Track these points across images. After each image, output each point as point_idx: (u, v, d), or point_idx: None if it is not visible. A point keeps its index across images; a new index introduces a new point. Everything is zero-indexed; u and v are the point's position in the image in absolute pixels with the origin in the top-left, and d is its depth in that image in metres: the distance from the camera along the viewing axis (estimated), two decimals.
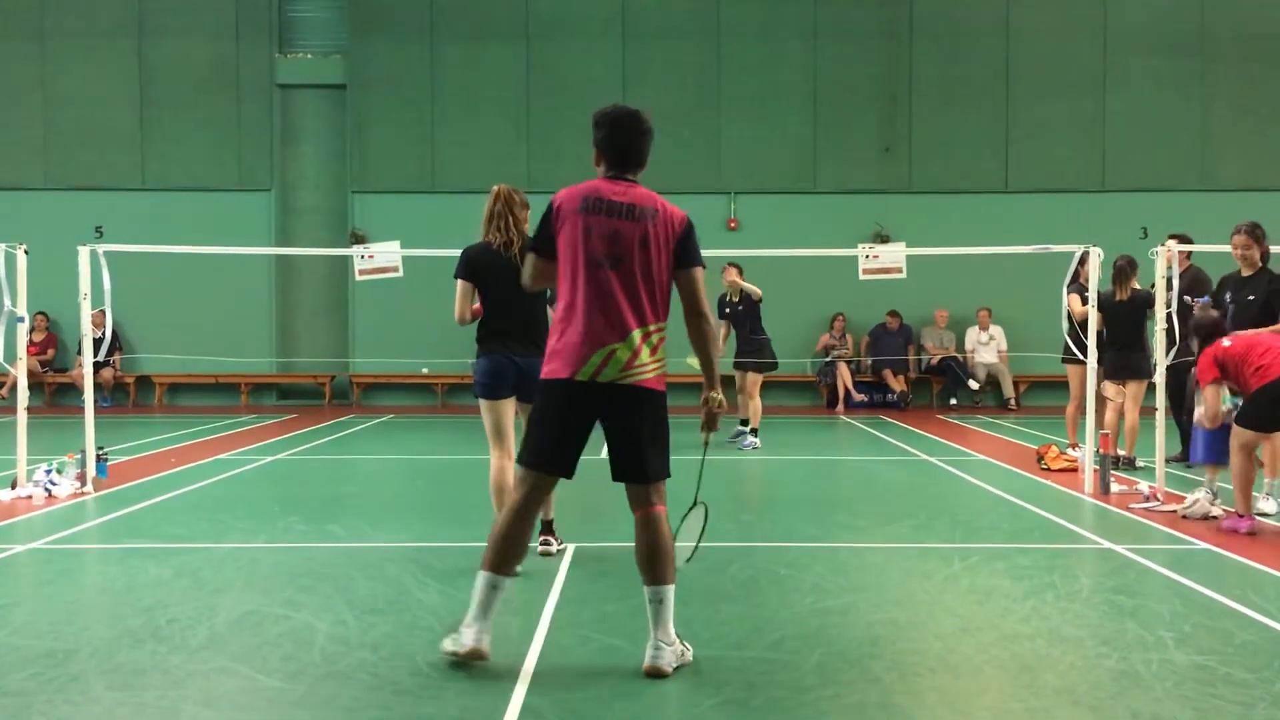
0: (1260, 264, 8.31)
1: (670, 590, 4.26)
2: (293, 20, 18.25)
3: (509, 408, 6.12)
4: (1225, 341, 7.22)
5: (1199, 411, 7.51)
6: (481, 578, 4.27)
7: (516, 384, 6.03)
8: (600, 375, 4.20)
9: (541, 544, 6.30)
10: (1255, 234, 8.27)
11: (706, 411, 4.45)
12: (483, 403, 6.12)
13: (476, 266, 6.04)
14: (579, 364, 4.19)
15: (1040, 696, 4.00)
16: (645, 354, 4.24)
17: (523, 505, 4.32)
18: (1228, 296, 8.44)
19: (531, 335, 6.00)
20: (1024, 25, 17.71)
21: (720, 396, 4.45)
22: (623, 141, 4.33)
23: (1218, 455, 7.43)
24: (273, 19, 17.98)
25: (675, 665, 4.22)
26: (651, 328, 4.27)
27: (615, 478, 4.38)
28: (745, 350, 11.92)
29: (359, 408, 17.10)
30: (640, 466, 4.30)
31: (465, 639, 4.21)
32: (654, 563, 4.25)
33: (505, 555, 4.27)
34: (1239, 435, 7.02)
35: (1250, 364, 7.00)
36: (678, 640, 4.28)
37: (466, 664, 4.27)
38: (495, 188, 6.23)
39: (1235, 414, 7.17)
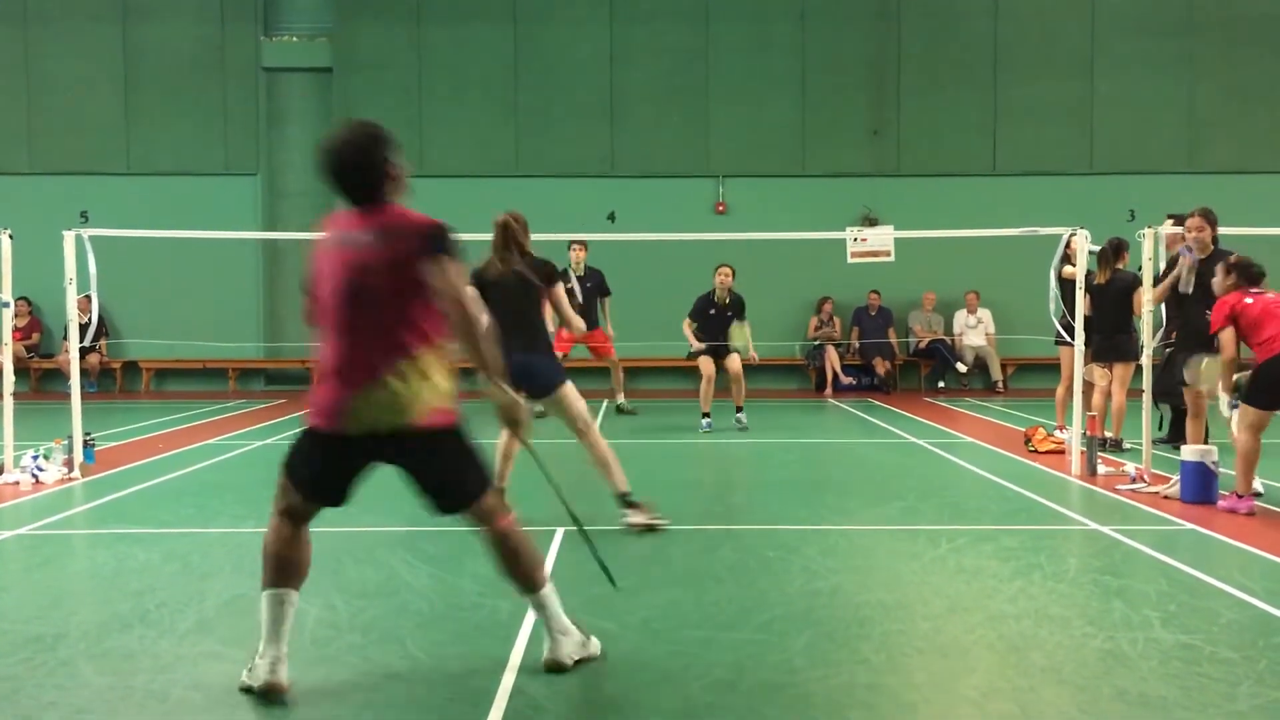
0: (1213, 246, 8.51)
1: (544, 594, 4.00)
2: (278, 2, 18.11)
3: None
4: (1248, 299, 7.16)
5: (1188, 448, 7.59)
6: (265, 597, 3.85)
7: (519, 381, 6.31)
8: (366, 425, 3.73)
9: (636, 517, 6.51)
10: (1209, 217, 8.49)
11: (498, 410, 3.98)
12: None
13: (484, 279, 6.63)
14: (340, 413, 3.75)
15: (1027, 676, 4.02)
16: (416, 387, 3.73)
17: (287, 523, 3.91)
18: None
19: (529, 335, 6.60)
20: (1012, 7, 17.69)
21: (498, 392, 3.92)
22: (333, 181, 3.86)
23: (1206, 494, 7.38)
24: (258, 1, 17.84)
25: (577, 657, 4.05)
26: (418, 355, 3.74)
27: (434, 514, 4.00)
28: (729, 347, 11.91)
29: None
30: (453, 496, 3.91)
31: (260, 671, 3.80)
32: (516, 575, 3.98)
33: (282, 569, 3.86)
34: (1246, 415, 7.05)
35: (1261, 332, 7.00)
36: (577, 629, 4.10)
37: (454, 649, 4.28)
38: (499, 219, 6.74)
39: (1241, 395, 7.18)
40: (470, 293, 6.48)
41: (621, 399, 13.27)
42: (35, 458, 8.36)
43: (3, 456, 8.45)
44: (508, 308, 6.55)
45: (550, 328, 7.58)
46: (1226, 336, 7.21)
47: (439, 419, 3.80)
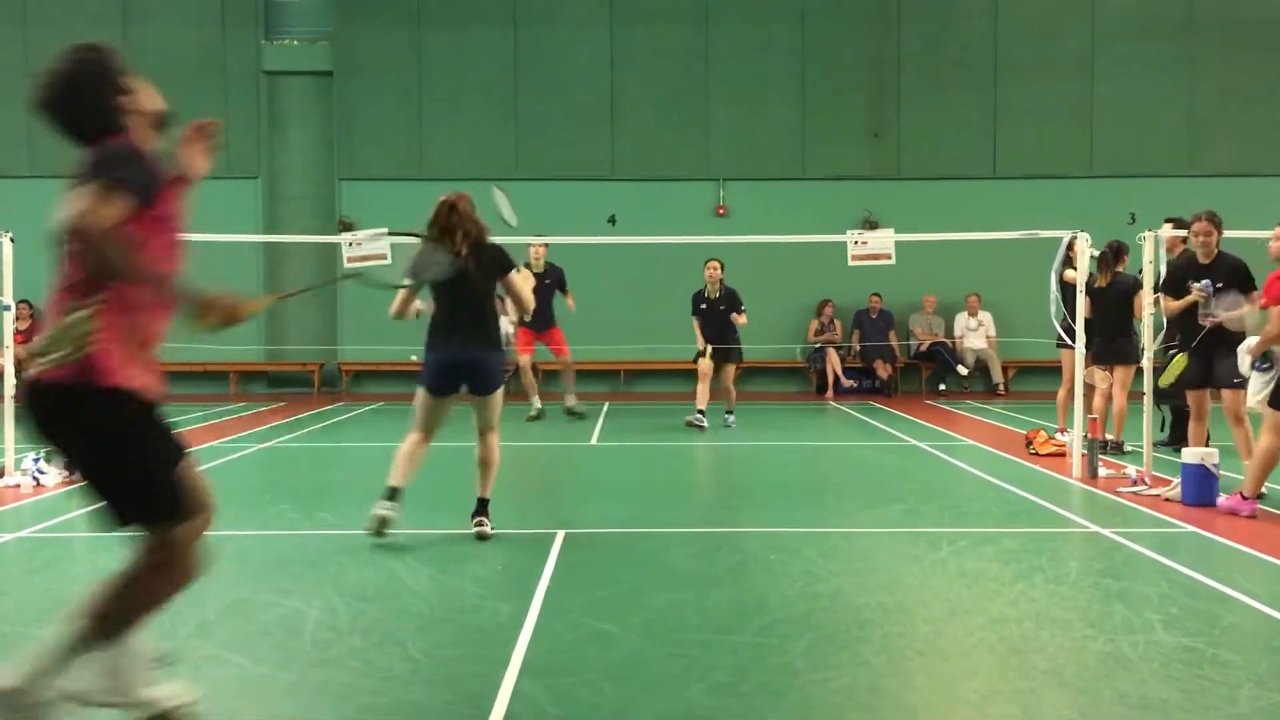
0: (1217, 250, 8.46)
1: (120, 650, 3.39)
2: (279, 6, 18.15)
3: (447, 405, 6.42)
4: None
5: (1189, 450, 7.53)
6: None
7: (464, 378, 6.33)
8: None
9: (475, 524, 6.35)
10: (1215, 221, 8.43)
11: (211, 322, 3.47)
12: (422, 393, 6.42)
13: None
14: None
15: (1028, 678, 4.02)
16: (56, 339, 3.11)
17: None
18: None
19: (481, 330, 6.32)
20: (1012, 8, 17.71)
21: (193, 313, 3.42)
22: (50, 121, 3.31)
23: (1207, 496, 7.34)
24: (259, 5, 17.87)
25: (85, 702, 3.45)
26: (69, 305, 3.15)
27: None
28: (726, 341, 11.98)
29: (348, 395, 17.06)
30: (106, 502, 3.26)
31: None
32: (112, 616, 3.33)
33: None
34: (1271, 416, 7.01)
35: None
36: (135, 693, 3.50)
37: (454, 651, 4.28)
38: (445, 197, 6.29)
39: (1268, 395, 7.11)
40: (402, 293, 6.22)
41: (571, 400, 12.74)
42: (36, 460, 8.35)
43: (4, 459, 8.45)
44: (457, 298, 6.20)
45: (508, 328, 7.37)
46: (1277, 314, 7.07)
47: (61, 375, 3.11)
